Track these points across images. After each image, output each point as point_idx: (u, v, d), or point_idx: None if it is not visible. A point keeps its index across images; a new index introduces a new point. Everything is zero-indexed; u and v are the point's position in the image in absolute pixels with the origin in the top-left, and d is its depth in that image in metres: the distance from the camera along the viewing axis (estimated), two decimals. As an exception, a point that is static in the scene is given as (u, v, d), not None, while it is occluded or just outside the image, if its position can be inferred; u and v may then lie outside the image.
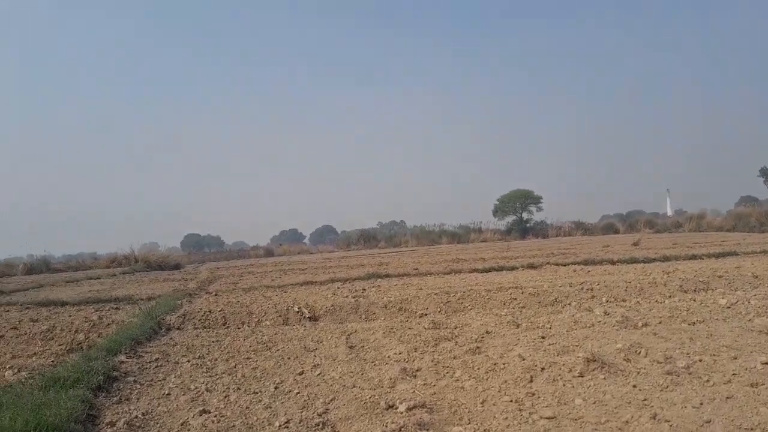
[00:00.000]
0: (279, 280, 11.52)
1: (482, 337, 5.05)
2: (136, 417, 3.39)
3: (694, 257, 11.41)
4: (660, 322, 5.27)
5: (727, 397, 3.08)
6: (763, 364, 3.61)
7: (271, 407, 3.52)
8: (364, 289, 8.81)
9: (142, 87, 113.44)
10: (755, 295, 6.32)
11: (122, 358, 4.84)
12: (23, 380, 4.06)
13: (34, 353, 5.48)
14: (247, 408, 3.52)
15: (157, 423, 3.32)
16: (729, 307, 5.69)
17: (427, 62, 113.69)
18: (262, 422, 3.24)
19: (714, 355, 3.95)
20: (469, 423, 3.04)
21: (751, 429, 2.62)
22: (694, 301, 6.25)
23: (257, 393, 3.86)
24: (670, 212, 41.60)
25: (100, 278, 16.53)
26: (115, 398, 3.79)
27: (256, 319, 6.83)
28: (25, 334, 6.36)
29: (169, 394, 3.92)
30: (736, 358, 3.82)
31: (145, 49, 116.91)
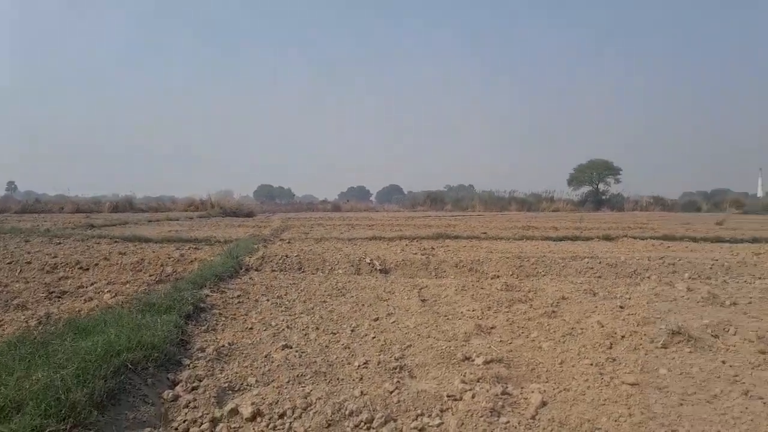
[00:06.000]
0: (348, 234, 11.72)
1: (558, 302, 4.93)
2: (223, 346, 3.57)
3: (788, 241, 10.57)
4: (750, 302, 4.95)
5: (835, 385, 2.87)
6: None
7: (349, 348, 3.62)
8: (433, 248, 8.80)
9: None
10: None
11: (207, 292, 5.09)
12: (121, 304, 4.36)
13: (127, 281, 5.87)
14: (326, 347, 3.63)
15: (242, 353, 3.48)
16: (832, 295, 5.25)
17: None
18: (342, 361, 3.34)
19: (817, 341, 3.68)
20: (548, 381, 3.00)
21: None
22: (791, 285, 5.81)
23: (335, 334, 3.98)
24: (761, 193, 38.58)
25: (178, 220, 17.51)
26: (203, 327, 4.01)
27: (329, 267, 7.00)
28: (116, 264, 6.83)
29: (251, 328, 4.11)
30: (843, 347, 3.54)
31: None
